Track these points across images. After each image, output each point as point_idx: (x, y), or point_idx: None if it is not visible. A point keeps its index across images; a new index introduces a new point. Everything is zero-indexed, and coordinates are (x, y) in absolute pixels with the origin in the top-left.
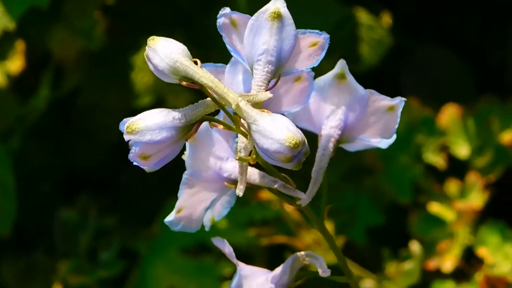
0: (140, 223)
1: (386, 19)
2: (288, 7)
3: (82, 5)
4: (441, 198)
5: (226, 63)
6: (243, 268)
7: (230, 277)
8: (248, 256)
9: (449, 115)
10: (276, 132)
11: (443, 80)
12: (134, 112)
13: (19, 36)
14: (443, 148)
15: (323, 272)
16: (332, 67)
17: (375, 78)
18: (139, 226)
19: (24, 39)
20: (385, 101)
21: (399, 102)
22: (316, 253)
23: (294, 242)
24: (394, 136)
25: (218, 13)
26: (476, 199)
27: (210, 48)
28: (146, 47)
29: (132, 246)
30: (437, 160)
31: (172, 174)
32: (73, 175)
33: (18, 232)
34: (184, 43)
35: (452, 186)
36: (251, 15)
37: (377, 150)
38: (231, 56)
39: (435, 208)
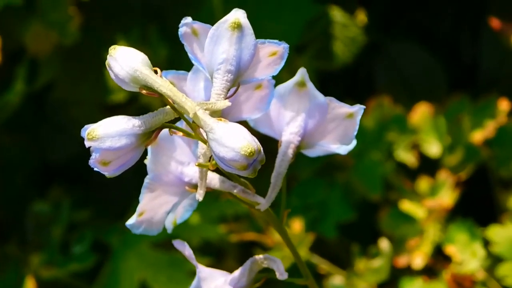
0: (112, 217)
1: (361, 17)
2: (263, 5)
3: (57, 0)
4: (412, 196)
5: None
6: (202, 270)
7: None
8: (220, 251)
9: (420, 113)
10: (232, 140)
11: (415, 76)
12: (108, 106)
13: None
14: (414, 146)
15: (280, 275)
16: (305, 64)
17: (348, 75)
18: (112, 219)
19: None
20: (344, 108)
21: (358, 109)
22: (284, 251)
23: (264, 239)
24: (354, 142)
25: (191, 8)
26: (447, 197)
27: (183, 44)
28: (108, 56)
29: (104, 239)
30: (408, 157)
31: (145, 168)
32: (47, 168)
33: None
34: (157, 38)
35: (422, 184)
36: (226, 13)
37: None
38: None
39: (405, 205)
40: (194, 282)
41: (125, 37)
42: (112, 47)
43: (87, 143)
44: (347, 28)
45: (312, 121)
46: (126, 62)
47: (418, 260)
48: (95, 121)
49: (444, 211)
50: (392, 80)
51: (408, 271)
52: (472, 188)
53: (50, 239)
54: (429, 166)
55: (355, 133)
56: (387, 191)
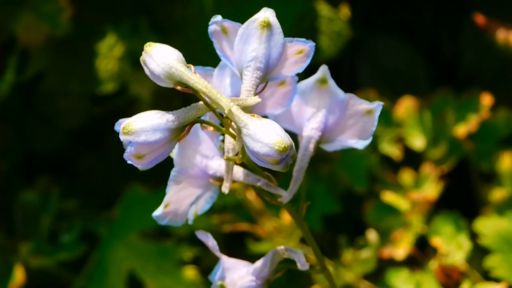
0: (99, 207)
1: (345, 11)
2: (253, 0)
3: None
4: (396, 188)
5: (189, 49)
6: (226, 261)
7: (189, 262)
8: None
9: (405, 107)
10: (266, 136)
11: (398, 71)
12: (95, 98)
13: None
14: (399, 139)
15: (302, 265)
16: None
17: (332, 69)
18: (99, 210)
19: None
20: (364, 105)
21: (376, 106)
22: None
23: (256, 229)
24: (371, 138)
25: (181, 1)
26: (431, 190)
27: (173, 35)
28: (143, 53)
29: (92, 229)
30: (392, 150)
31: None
32: (33, 158)
33: None
34: (147, 30)
35: (406, 176)
36: (216, 9)
37: None
38: (194, 45)
39: (389, 197)
40: (218, 272)
41: (116, 29)
42: (148, 44)
43: (122, 137)
44: (333, 22)
45: (332, 117)
46: (162, 59)
47: (401, 251)
48: (83, 112)
49: (428, 204)
50: (375, 74)
51: (393, 262)
52: (453, 181)
53: (38, 228)
54: (413, 159)
55: (374, 129)
56: (372, 183)
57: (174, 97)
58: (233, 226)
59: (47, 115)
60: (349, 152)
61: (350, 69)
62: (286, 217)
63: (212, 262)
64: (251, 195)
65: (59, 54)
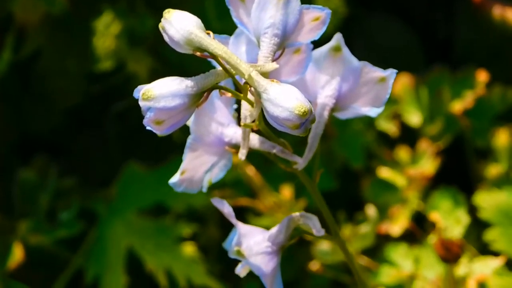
0: (98, 185)
1: None
2: None
3: None
4: (393, 164)
5: None
6: (242, 227)
7: (188, 238)
8: (202, 218)
9: (402, 84)
10: (286, 100)
11: (393, 49)
12: (92, 76)
13: None
14: (395, 116)
15: (317, 232)
16: None
17: None
18: (97, 187)
19: None
20: (377, 73)
21: (390, 73)
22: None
23: (256, 204)
24: (383, 106)
25: None
26: (427, 166)
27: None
28: (162, 19)
29: (91, 207)
30: (389, 127)
31: (129, 137)
32: (31, 137)
33: None
34: (144, 8)
35: (403, 153)
36: None
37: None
38: None
39: (383, 172)
40: (235, 238)
41: (112, 7)
42: (167, 10)
43: (141, 103)
44: (329, 0)
45: (346, 85)
46: (181, 25)
47: (397, 227)
48: (79, 91)
49: (425, 180)
50: (370, 52)
51: (391, 238)
52: (449, 158)
53: (37, 206)
54: (409, 135)
55: (388, 96)
56: (369, 160)
57: (171, 75)
58: (233, 201)
59: (44, 94)
60: (346, 129)
61: None
62: (286, 193)
63: (210, 239)
64: (251, 171)
65: (56, 33)
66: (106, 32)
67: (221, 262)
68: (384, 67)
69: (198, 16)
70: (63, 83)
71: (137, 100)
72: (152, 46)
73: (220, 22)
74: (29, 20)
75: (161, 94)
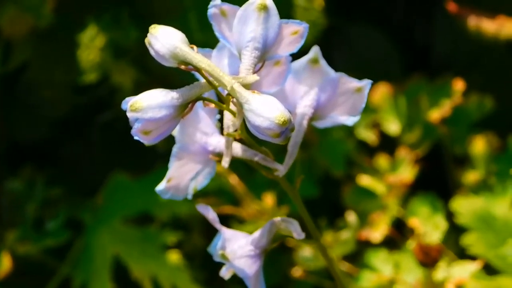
0: (84, 195)
1: (319, 1)
2: None
3: None
4: (372, 172)
5: None
6: (226, 232)
7: (172, 246)
8: (186, 226)
9: (380, 93)
10: (267, 111)
11: (372, 59)
12: (78, 88)
13: None
14: (374, 124)
15: (298, 235)
16: None
17: None
18: (84, 196)
19: None
20: (354, 83)
21: (366, 84)
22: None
23: (240, 212)
24: (360, 115)
25: None
26: (406, 173)
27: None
28: (148, 34)
29: (77, 215)
30: (368, 135)
31: (114, 147)
32: (18, 147)
33: None
34: (128, 21)
35: (382, 161)
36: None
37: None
38: None
39: (365, 181)
40: (219, 243)
41: (97, 20)
42: (153, 26)
43: (129, 114)
44: (308, 12)
45: (324, 95)
46: (166, 40)
47: (377, 233)
48: (66, 101)
49: (404, 187)
50: (350, 62)
51: (372, 244)
52: (427, 165)
53: (24, 216)
54: (389, 144)
55: (363, 105)
56: (349, 167)
57: (155, 86)
58: (217, 209)
59: (31, 105)
60: (327, 137)
61: (325, 58)
62: (268, 200)
63: (195, 247)
64: (234, 179)
65: (42, 45)
66: (91, 45)
67: (206, 270)
68: (363, 76)
69: (181, 28)
70: (50, 94)
71: (122, 111)
72: (136, 58)
73: (203, 34)
74: (16, 33)
75: (148, 105)
